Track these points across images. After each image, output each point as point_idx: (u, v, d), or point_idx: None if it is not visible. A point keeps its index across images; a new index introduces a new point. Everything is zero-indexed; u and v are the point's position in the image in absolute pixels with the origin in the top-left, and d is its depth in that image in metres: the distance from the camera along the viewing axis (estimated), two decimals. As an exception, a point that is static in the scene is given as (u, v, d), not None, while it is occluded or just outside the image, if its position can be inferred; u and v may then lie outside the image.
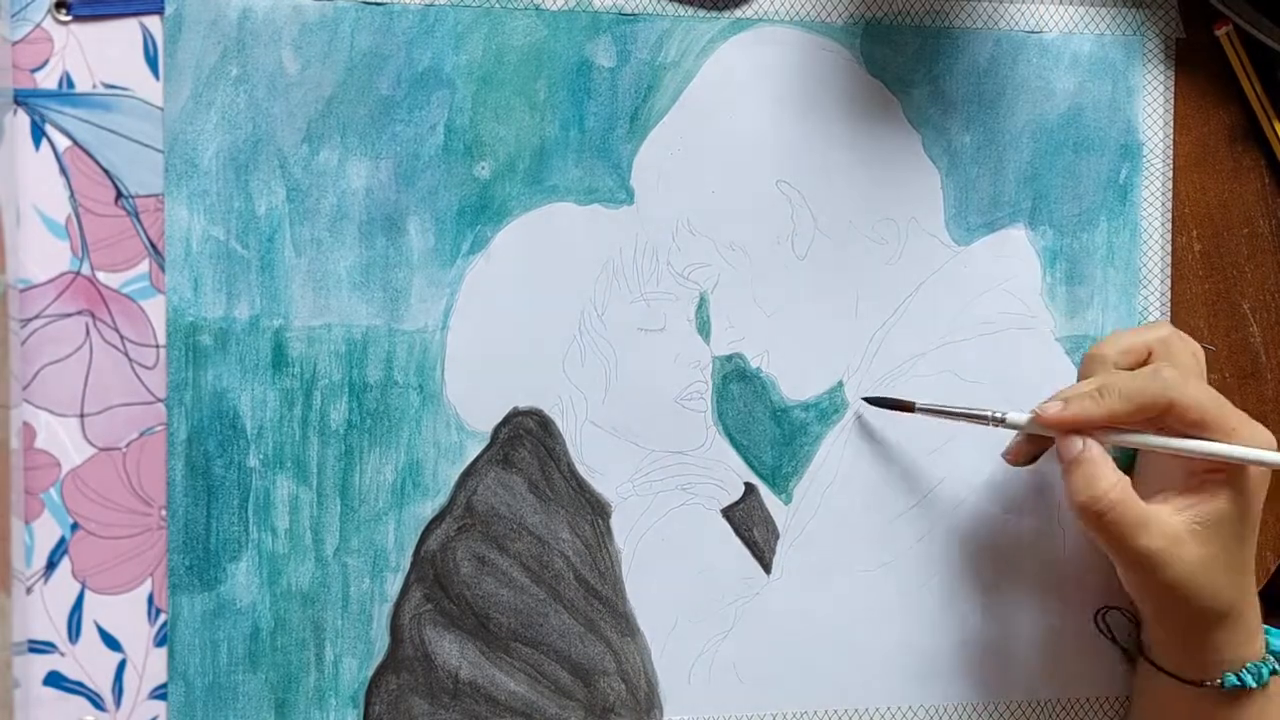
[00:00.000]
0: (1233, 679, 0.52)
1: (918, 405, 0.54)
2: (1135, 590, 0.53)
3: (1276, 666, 0.53)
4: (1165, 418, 0.50)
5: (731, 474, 0.55)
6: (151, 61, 0.50)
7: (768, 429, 0.56)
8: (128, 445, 0.50)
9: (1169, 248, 0.59)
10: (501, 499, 0.53)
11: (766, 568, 0.56)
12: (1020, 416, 0.53)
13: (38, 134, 0.49)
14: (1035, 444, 0.55)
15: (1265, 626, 0.53)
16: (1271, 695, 0.53)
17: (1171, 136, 0.59)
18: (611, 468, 0.54)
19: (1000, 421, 0.53)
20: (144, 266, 0.50)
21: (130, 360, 0.50)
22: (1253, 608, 0.52)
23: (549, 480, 0.54)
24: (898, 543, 0.57)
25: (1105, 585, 0.58)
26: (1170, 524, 0.50)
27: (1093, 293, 0.58)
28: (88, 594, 0.50)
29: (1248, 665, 0.52)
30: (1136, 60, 0.58)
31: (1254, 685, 0.52)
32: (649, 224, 0.54)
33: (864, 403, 0.56)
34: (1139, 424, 0.51)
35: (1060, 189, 0.58)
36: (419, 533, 0.53)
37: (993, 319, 0.57)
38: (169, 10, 0.50)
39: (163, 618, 0.51)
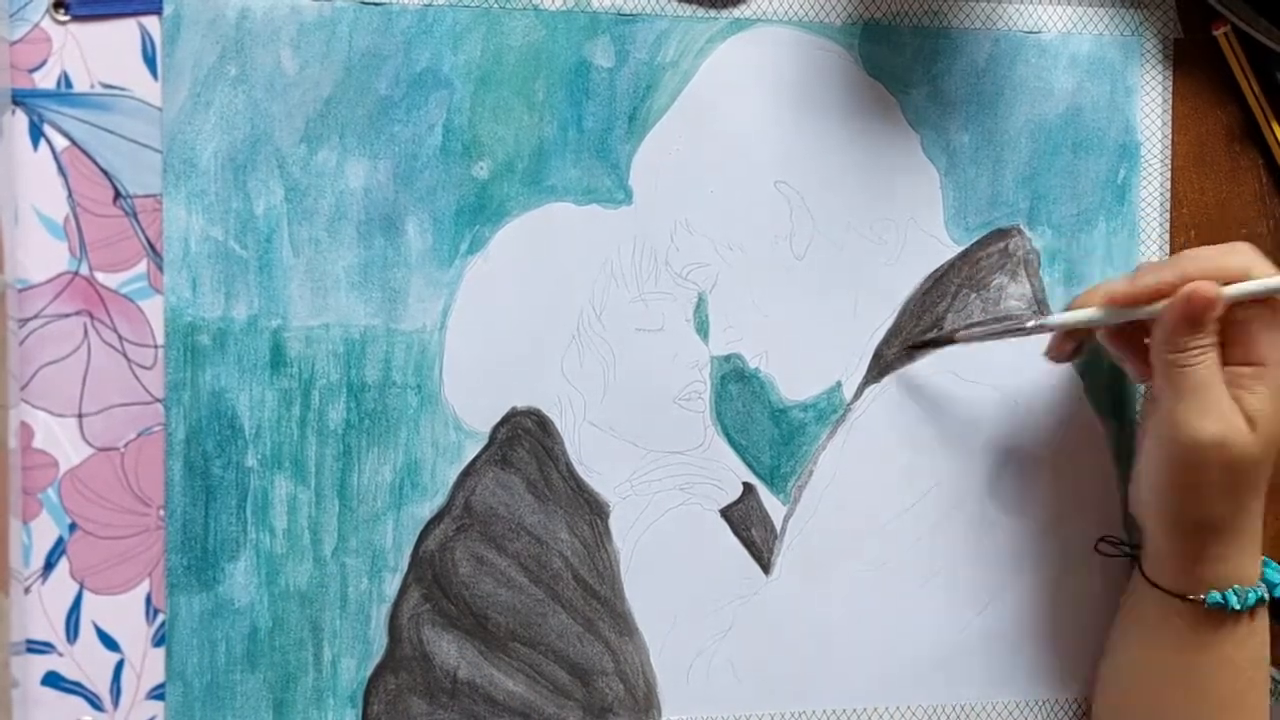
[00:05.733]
0: (1216, 597, 0.51)
1: (958, 334, 0.55)
2: (1160, 461, 0.52)
3: (1265, 595, 0.52)
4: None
5: (730, 474, 0.55)
6: (150, 61, 0.50)
7: (766, 429, 0.56)
8: (126, 445, 0.50)
9: (1167, 248, 0.59)
10: (500, 499, 0.53)
11: (765, 567, 0.56)
12: (1061, 317, 0.54)
13: (36, 134, 0.49)
14: (1075, 337, 0.55)
15: (1265, 558, 0.53)
16: (1255, 626, 0.52)
17: (1170, 136, 0.59)
18: (610, 468, 0.54)
19: (1041, 328, 0.54)
20: (142, 266, 0.50)
21: (128, 360, 0.50)
22: (1255, 531, 0.52)
23: (547, 480, 0.54)
24: (896, 543, 0.57)
25: (1103, 582, 0.58)
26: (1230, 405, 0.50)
27: (1091, 293, 0.58)
28: (86, 594, 0.50)
29: (1234, 587, 0.51)
30: (1135, 60, 0.58)
31: (1237, 607, 0.51)
32: (647, 224, 0.54)
33: (907, 352, 0.56)
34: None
35: (1059, 189, 0.58)
36: (417, 533, 0.53)
37: (992, 319, 0.57)
38: (167, 10, 0.50)
39: (161, 618, 0.51)
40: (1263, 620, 0.53)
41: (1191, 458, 0.50)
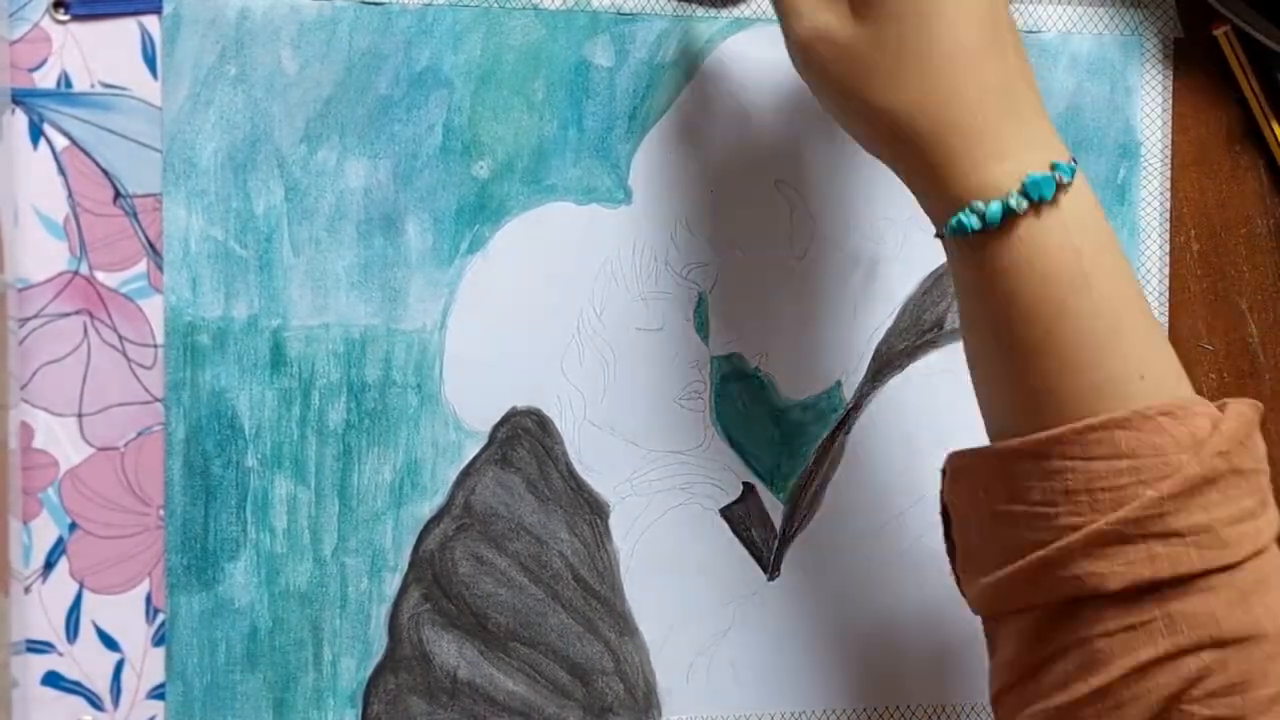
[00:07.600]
0: (954, 223, 0.40)
1: None
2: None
3: (1019, 204, 0.39)
4: None
5: (730, 474, 0.55)
6: (150, 61, 0.50)
7: (766, 429, 0.56)
8: (126, 445, 0.50)
9: (1167, 247, 0.59)
10: (500, 499, 0.53)
11: (765, 567, 0.56)
12: None
13: (36, 133, 0.49)
14: None
15: (1056, 162, 0.40)
16: (1021, 240, 0.40)
17: (1170, 136, 0.59)
18: (610, 467, 0.54)
19: None
20: (142, 266, 0.50)
21: (128, 360, 0.50)
22: (978, 129, 0.41)
23: (547, 480, 0.54)
24: (897, 541, 0.57)
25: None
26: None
27: (1091, 292, 0.58)
28: (86, 594, 0.50)
29: (971, 203, 0.40)
30: (1135, 60, 0.58)
31: (975, 227, 0.40)
32: (647, 224, 0.54)
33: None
34: None
35: (1058, 189, 0.58)
36: (417, 532, 0.53)
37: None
38: (167, 10, 0.50)
39: (161, 617, 0.51)
40: (1039, 230, 0.40)
41: (808, 72, 0.43)
